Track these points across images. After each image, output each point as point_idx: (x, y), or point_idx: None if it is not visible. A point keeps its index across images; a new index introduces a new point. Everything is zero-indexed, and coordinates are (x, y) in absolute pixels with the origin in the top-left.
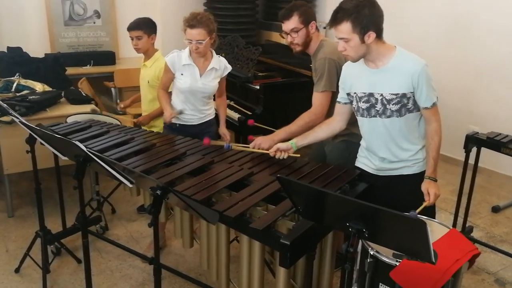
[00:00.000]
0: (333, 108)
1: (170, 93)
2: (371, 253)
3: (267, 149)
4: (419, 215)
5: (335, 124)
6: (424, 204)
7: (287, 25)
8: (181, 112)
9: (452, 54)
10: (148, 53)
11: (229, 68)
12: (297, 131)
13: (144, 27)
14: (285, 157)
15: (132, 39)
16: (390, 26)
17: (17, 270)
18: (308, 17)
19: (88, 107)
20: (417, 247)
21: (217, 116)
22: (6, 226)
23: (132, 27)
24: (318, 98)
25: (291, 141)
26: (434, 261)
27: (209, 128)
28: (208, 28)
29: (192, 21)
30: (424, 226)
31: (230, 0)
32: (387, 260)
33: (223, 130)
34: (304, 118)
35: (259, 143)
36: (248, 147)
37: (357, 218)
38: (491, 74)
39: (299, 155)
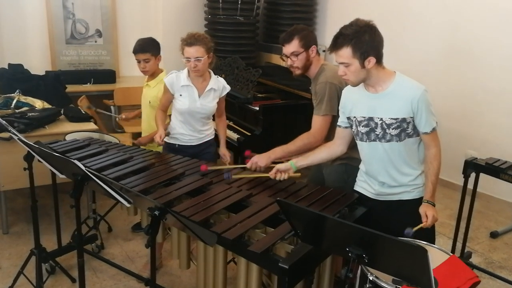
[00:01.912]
0: (332, 132)
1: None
2: (370, 279)
3: (264, 166)
4: (418, 241)
5: (336, 148)
6: (421, 225)
7: (288, 49)
8: (168, 134)
9: (451, 80)
10: (154, 74)
11: (227, 88)
12: (295, 151)
13: (151, 48)
14: (285, 178)
15: (139, 62)
16: (390, 52)
17: None
18: (309, 41)
19: (89, 125)
20: (417, 274)
21: (216, 137)
22: (0, 243)
23: (138, 50)
24: (318, 122)
25: (290, 162)
26: None
27: (208, 148)
28: (206, 46)
29: (189, 39)
30: (425, 253)
31: (230, 22)
32: (386, 286)
33: (223, 150)
34: (302, 139)
35: (256, 161)
36: (247, 170)
37: (356, 243)
38: (489, 100)
39: (299, 175)
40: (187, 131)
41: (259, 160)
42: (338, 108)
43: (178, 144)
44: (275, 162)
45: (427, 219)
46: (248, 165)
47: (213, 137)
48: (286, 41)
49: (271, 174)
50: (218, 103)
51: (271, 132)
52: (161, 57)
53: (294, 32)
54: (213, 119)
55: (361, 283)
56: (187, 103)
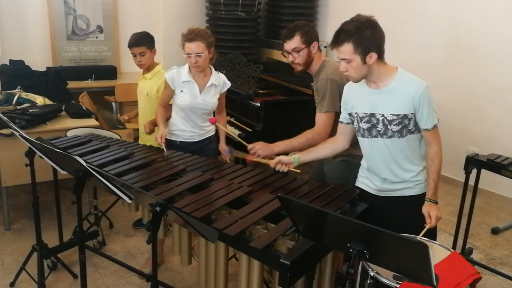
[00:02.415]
0: (335, 128)
1: (171, 105)
2: (371, 274)
3: (264, 157)
4: (420, 237)
5: (338, 143)
6: (426, 227)
7: (289, 45)
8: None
9: (453, 75)
10: (150, 67)
11: (228, 84)
12: (298, 146)
13: (146, 42)
14: (285, 171)
15: (135, 56)
16: (391, 47)
17: (12, 284)
18: (310, 38)
19: (90, 121)
20: (418, 270)
21: (217, 133)
22: (2, 239)
23: (134, 44)
24: (321, 119)
25: (293, 156)
26: (435, 284)
27: (209, 145)
28: (206, 41)
29: (190, 35)
30: (426, 249)
31: (232, 18)
32: (387, 282)
33: (223, 146)
34: (306, 135)
35: (258, 148)
36: (248, 156)
37: (358, 239)
38: (491, 95)
39: (299, 171)
40: (188, 127)
41: (261, 148)
42: (339, 104)
43: (179, 141)
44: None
45: (431, 219)
46: (249, 147)
47: (214, 133)
48: (287, 37)
49: (272, 163)
50: (218, 99)
51: (272, 128)
52: (156, 50)
53: (295, 28)
54: (214, 116)
55: (362, 279)
56: (188, 99)
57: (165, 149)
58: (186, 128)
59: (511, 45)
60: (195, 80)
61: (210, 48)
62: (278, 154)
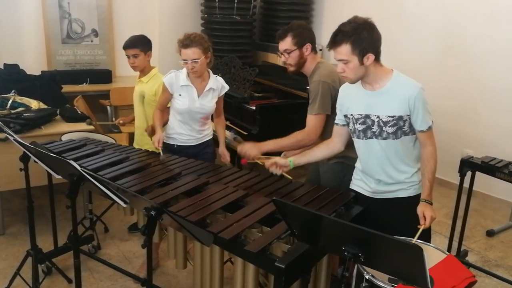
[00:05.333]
0: (327, 130)
1: (169, 108)
2: (366, 277)
3: (253, 156)
4: (415, 239)
5: (334, 145)
6: (421, 228)
7: (281, 46)
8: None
9: (447, 78)
10: (145, 70)
11: (226, 87)
12: (287, 146)
13: (140, 44)
14: (278, 173)
15: (129, 58)
16: (386, 50)
17: None
18: (303, 39)
19: (85, 125)
20: (413, 272)
21: (215, 137)
22: None
23: (128, 46)
24: (312, 121)
25: (289, 159)
26: (430, 287)
27: (207, 148)
28: (202, 46)
29: (186, 41)
30: (420, 252)
31: (227, 21)
32: (382, 284)
33: (222, 150)
34: (296, 136)
35: (247, 150)
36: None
37: (352, 242)
38: (485, 98)
39: (291, 178)
40: (186, 131)
41: (250, 149)
42: (330, 107)
43: (177, 145)
44: (266, 155)
45: (425, 220)
46: (238, 149)
47: (211, 137)
48: (280, 38)
49: (267, 164)
50: (216, 102)
51: (268, 131)
52: (151, 54)
53: (288, 30)
54: (212, 120)
55: (357, 282)
56: (186, 103)
57: (161, 153)
58: (183, 131)
59: (505, 48)
60: (193, 84)
61: (206, 53)
62: (267, 153)
